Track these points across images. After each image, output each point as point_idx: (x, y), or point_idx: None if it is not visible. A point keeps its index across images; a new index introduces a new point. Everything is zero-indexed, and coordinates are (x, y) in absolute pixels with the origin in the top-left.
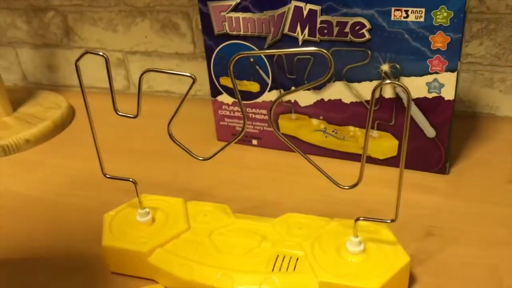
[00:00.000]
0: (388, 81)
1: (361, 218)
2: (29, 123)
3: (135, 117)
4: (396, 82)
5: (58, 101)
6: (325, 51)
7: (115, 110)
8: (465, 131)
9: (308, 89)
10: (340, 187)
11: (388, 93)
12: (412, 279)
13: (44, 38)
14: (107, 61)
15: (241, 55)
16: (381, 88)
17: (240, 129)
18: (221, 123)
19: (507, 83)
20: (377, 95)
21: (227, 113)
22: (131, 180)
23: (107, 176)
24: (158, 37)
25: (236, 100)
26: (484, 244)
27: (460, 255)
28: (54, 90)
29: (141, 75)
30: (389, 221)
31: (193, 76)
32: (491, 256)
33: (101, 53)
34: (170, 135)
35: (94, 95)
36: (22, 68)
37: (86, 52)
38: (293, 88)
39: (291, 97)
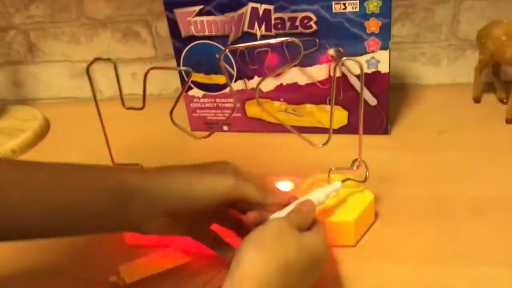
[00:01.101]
0: (345, 58)
1: (333, 169)
2: (10, 135)
3: (141, 108)
4: (353, 58)
5: (32, 113)
6: (295, 39)
7: (123, 105)
8: (398, 99)
9: (269, 77)
10: (314, 145)
11: (336, 72)
12: (376, 215)
13: (7, 56)
14: (115, 66)
15: (229, 49)
16: (329, 68)
17: (211, 118)
18: (194, 114)
19: (427, 56)
20: (338, 73)
21: (198, 105)
22: (137, 164)
23: (116, 164)
24: (121, 45)
25: (206, 93)
26: (425, 183)
27: (408, 193)
28: (23, 104)
29: (146, 73)
30: (355, 167)
31: (190, 70)
32: (432, 190)
33: (107, 58)
34: (173, 121)
35: (63, 105)
36: None
37: (96, 59)
38: (256, 77)
39: (255, 84)
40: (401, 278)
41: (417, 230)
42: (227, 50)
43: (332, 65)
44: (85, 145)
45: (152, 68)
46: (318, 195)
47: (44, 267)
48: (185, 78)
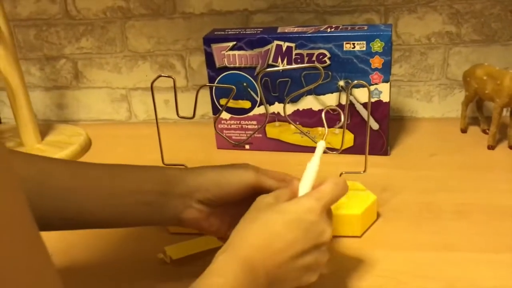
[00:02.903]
0: (355, 81)
1: (344, 172)
2: (60, 147)
3: (192, 118)
4: (362, 82)
5: (76, 130)
6: (318, 65)
7: (177, 113)
8: (397, 129)
9: (288, 103)
10: (330, 152)
11: (344, 100)
12: (378, 215)
13: (55, 82)
14: (174, 82)
15: (265, 71)
16: (339, 97)
17: (235, 137)
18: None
19: (421, 93)
20: (347, 100)
21: (225, 126)
22: (183, 165)
23: (166, 164)
24: (157, 75)
25: (232, 116)
26: (418, 192)
27: (405, 200)
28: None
29: (198, 89)
30: (362, 172)
31: (233, 87)
32: (424, 198)
33: (167, 75)
34: (216, 130)
35: (101, 126)
36: (33, 108)
37: (159, 76)
38: (276, 103)
39: (275, 109)
40: (400, 262)
41: (412, 226)
42: (261, 74)
43: (343, 94)
44: (124, 158)
45: (204, 85)
46: (312, 166)
47: (99, 251)
48: (217, 103)
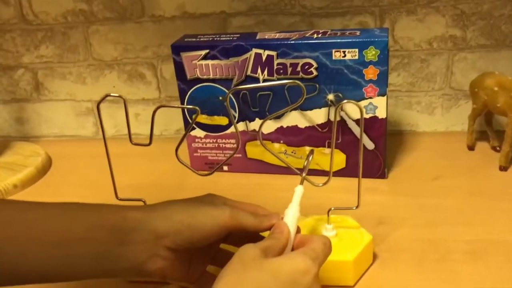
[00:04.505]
0: (345, 101)
1: (333, 208)
2: (13, 170)
3: (148, 145)
4: (353, 101)
5: (35, 149)
6: (298, 81)
7: (130, 140)
8: (395, 145)
9: (270, 119)
10: (315, 185)
11: (336, 116)
12: (374, 256)
13: (13, 94)
14: (125, 102)
15: (235, 90)
16: (329, 112)
17: (212, 158)
18: (195, 154)
19: (422, 104)
20: (338, 117)
21: (200, 145)
22: (142, 200)
23: (120, 198)
24: (126, 86)
25: (208, 133)
26: (421, 226)
27: (405, 235)
28: (25, 141)
29: (154, 111)
30: (354, 208)
31: (197, 108)
32: (428, 233)
33: (117, 95)
34: (178, 158)
35: (65, 143)
36: None
37: (107, 96)
38: (257, 119)
39: (256, 126)
40: None
41: (414, 272)
42: (231, 92)
43: (332, 109)
44: (86, 182)
45: (160, 106)
46: (293, 213)
47: None
48: (189, 118)
